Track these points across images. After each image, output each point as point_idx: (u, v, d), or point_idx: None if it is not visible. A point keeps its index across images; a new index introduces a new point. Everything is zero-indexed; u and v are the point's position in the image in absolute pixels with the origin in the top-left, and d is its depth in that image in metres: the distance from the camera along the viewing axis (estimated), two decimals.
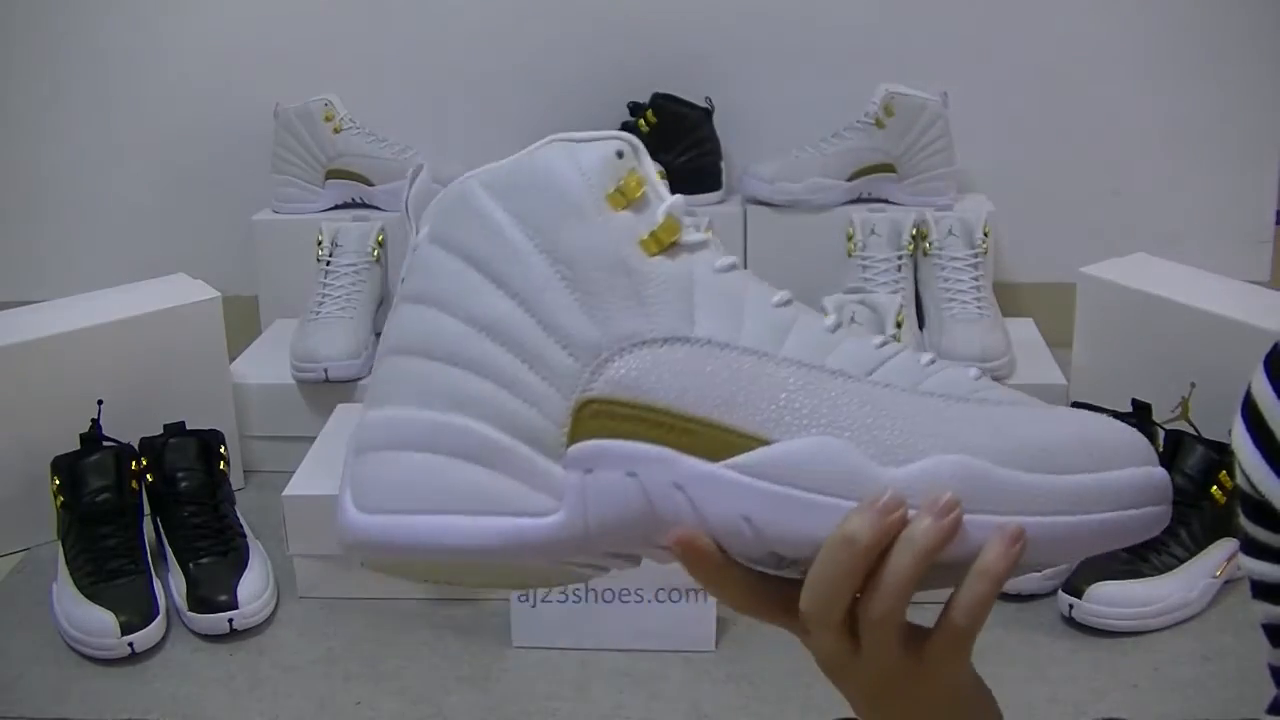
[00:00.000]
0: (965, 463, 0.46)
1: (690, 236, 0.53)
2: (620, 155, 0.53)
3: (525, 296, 0.50)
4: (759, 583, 0.50)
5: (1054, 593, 1.42)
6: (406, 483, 0.51)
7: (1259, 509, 0.52)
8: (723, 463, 0.47)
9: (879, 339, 0.52)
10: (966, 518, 0.46)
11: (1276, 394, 0.50)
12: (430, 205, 0.54)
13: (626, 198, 0.51)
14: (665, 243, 0.51)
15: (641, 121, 2.03)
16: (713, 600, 1.32)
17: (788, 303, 0.54)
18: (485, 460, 0.49)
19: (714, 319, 0.51)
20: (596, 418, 0.49)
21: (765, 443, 0.48)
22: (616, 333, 0.50)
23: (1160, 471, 0.48)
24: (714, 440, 0.48)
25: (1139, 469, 0.48)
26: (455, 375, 0.50)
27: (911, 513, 0.46)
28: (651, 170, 0.53)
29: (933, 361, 0.51)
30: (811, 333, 0.51)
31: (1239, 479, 0.52)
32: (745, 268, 0.55)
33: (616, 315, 0.50)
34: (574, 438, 0.49)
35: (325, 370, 1.76)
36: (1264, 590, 0.53)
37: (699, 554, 0.48)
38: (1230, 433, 0.53)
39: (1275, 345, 0.51)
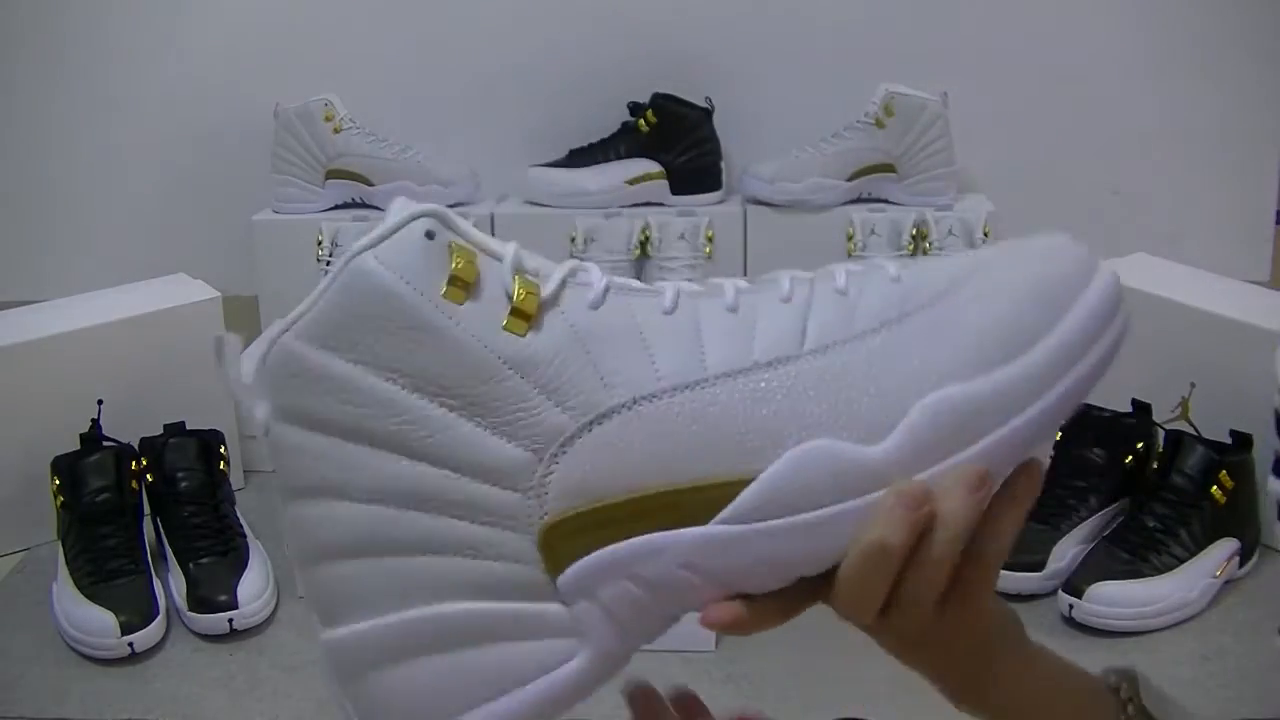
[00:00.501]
0: (942, 400, 0.43)
1: (547, 288, 0.45)
2: (431, 235, 0.44)
3: (421, 449, 0.44)
4: (788, 595, 0.47)
5: (1054, 593, 1.42)
6: (424, 694, 0.45)
7: None
8: (714, 521, 0.43)
9: (781, 289, 0.48)
10: (965, 452, 0.43)
11: None
12: (253, 378, 0.46)
13: (464, 283, 0.44)
14: (531, 313, 0.44)
15: (641, 121, 2.03)
16: None
17: (675, 306, 0.47)
18: (486, 636, 0.44)
19: (622, 370, 0.44)
20: (567, 539, 0.44)
21: (746, 481, 0.43)
22: (540, 440, 0.44)
23: (1106, 276, 0.47)
24: (696, 503, 0.43)
25: (1089, 291, 0.46)
26: (396, 564, 0.44)
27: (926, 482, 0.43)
28: (468, 228, 0.46)
29: (845, 290, 0.47)
30: (721, 330, 0.46)
31: (1275, 399, 0.56)
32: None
33: (529, 422, 0.43)
34: (555, 569, 0.44)
35: None
36: None
37: (733, 622, 0.45)
38: (1275, 355, 0.55)
39: None
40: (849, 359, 0.44)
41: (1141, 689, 0.54)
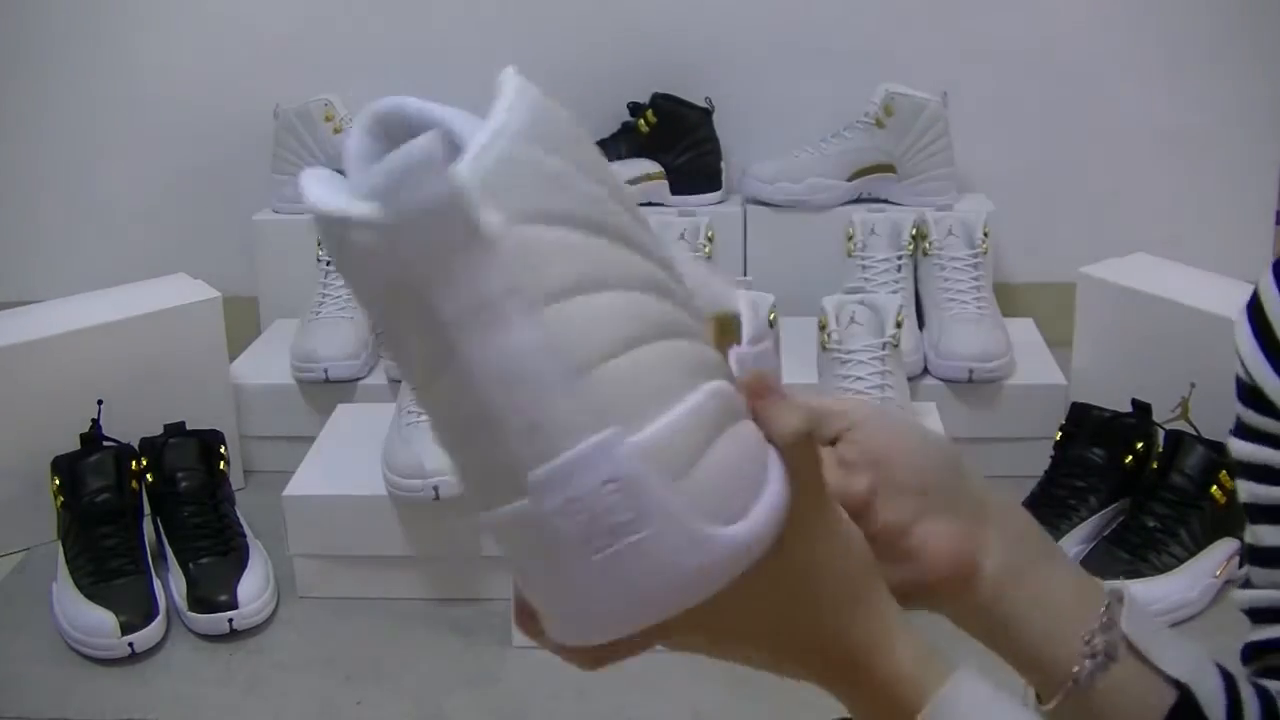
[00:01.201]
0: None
1: None
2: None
3: (639, 243, 0.45)
4: None
5: None
6: (735, 473, 0.44)
7: (1252, 392, 0.58)
8: None
9: None
10: None
11: (1278, 291, 0.58)
12: (474, 181, 0.40)
13: None
14: None
15: (641, 121, 2.03)
16: None
17: None
18: (741, 411, 0.45)
19: None
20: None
21: None
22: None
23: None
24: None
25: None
26: (667, 347, 0.43)
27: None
28: None
29: None
30: None
31: (1238, 370, 0.58)
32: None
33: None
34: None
35: (325, 370, 1.76)
36: (1249, 470, 0.59)
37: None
38: (1235, 332, 0.59)
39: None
40: None
41: (1125, 609, 0.55)
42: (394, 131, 0.46)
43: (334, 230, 0.40)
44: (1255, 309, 0.59)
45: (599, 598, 0.42)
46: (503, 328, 0.40)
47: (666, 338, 0.43)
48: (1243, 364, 0.58)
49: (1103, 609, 0.55)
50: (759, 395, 0.45)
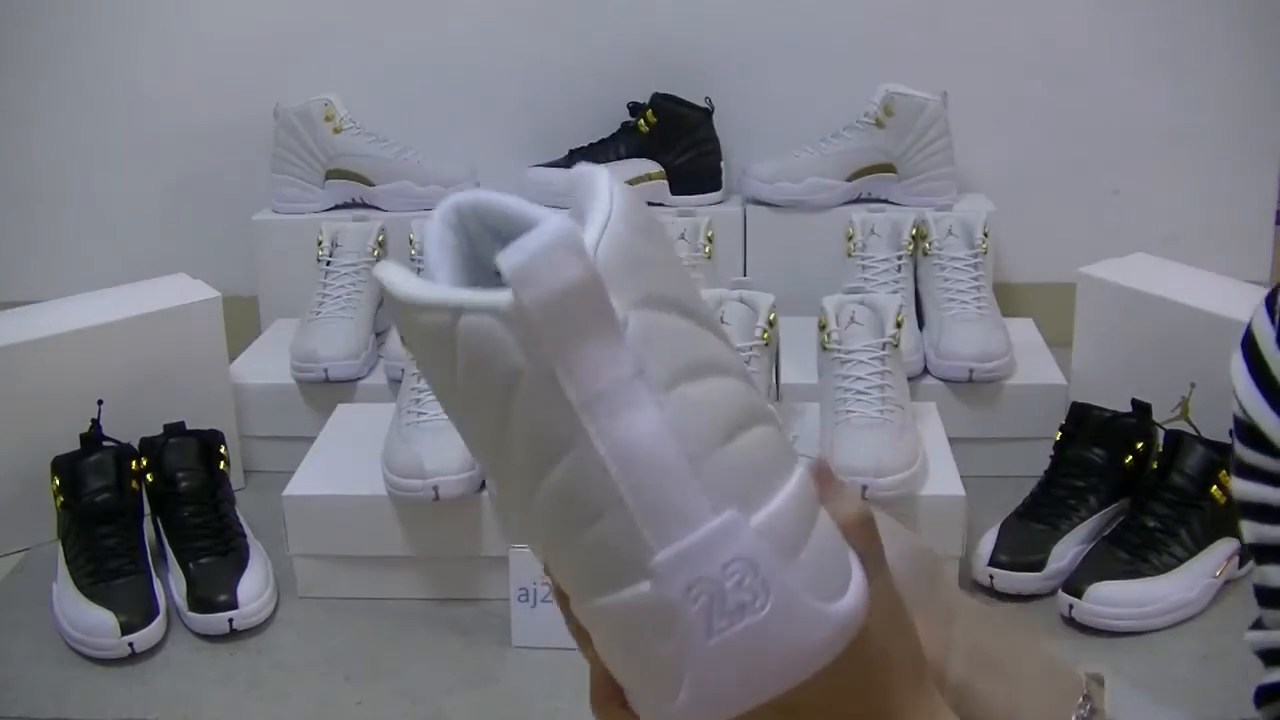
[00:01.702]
0: None
1: None
2: None
3: (720, 332, 0.46)
4: None
5: (1054, 593, 1.42)
6: (832, 551, 0.44)
7: (1250, 431, 0.56)
8: None
9: None
10: None
11: (1271, 327, 0.55)
12: (600, 267, 0.40)
13: None
14: None
15: (641, 121, 2.03)
16: None
17: None
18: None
19: None
20: None
21: None
22: None
23: None
24: None
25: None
26: (765, 431, 0.44)
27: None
28: None
29: None
30: None
31: (1234, 406, 0.57)
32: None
33: None
34: None
35: (325, 370, 1.76)
36: (1252, 510, 0.57)
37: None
38: (1230, 367, 0.57)
39: (1276, 286, 0.56)
40: None
41: (1107, 694, 0.54)
42: (469, 224, 0.47)
43: (445, 320, 0.40)
44: (1249, 344, 0.57)
45: (717, 679, 0.42)
46: (631, 411, 0.40)
47: (761, 422, 0.44)
48: (1239, 402, 0.57)
49: (1081, 699, 0.54)
50: (824, 481, 0.46)
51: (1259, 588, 0.59)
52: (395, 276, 0.42)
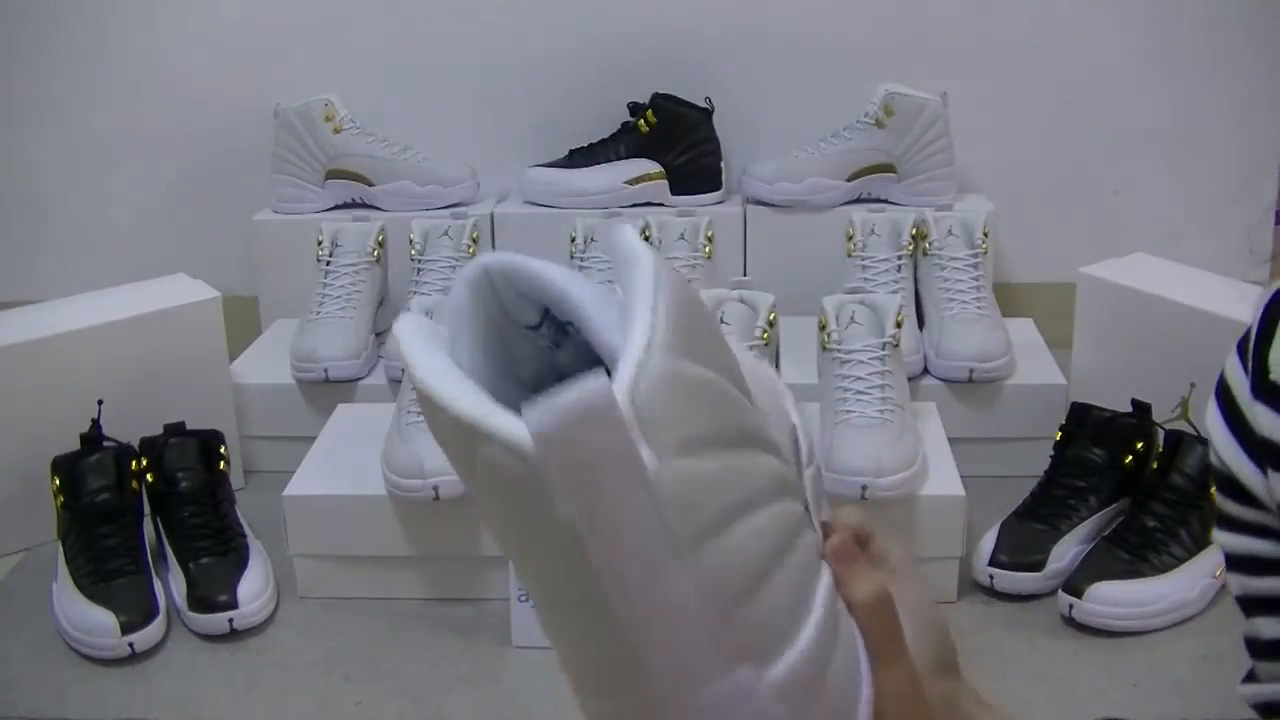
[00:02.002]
0: None
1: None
2: None
3: (766, 442, 0.45)
4: None
5: (1054, 593, 1.42)
6: (852, 677, 0.45)
7: (1230, 483, 0.54)
8: None
9: None
10: None
11: (1244, 373, 0.53)
12: (637, 414, 0.38)
13: None
14: None
15: (641, 121, 2.03)
16: None
17: None
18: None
19: None
20: None
21: None
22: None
23: None
24: None
25: None
26: (794, 558, 0.44)
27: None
28: None
29: None
30: None
31: (1211, 456, 0.55)
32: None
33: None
34: None
35: (325, 370, 1.76)
36: (1237, 562, 0.55)
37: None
38: (1205, 415, 0.55)
39: (1246, 330, 0.53)
40: None
41: None
42: (498, 285, 0.45)
43: (472, 439, 0.38)
44: (1223, 392, 0.54)
45: None
46: (657, 576, 0.38)
47: (797, 537, 0.43)
48: (1215, 452, 0.54)
49: None
50: (846, 560, 0.46)
51: (1250, 640, 0.57)
52: (416, 350, 0.40)
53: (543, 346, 0.46)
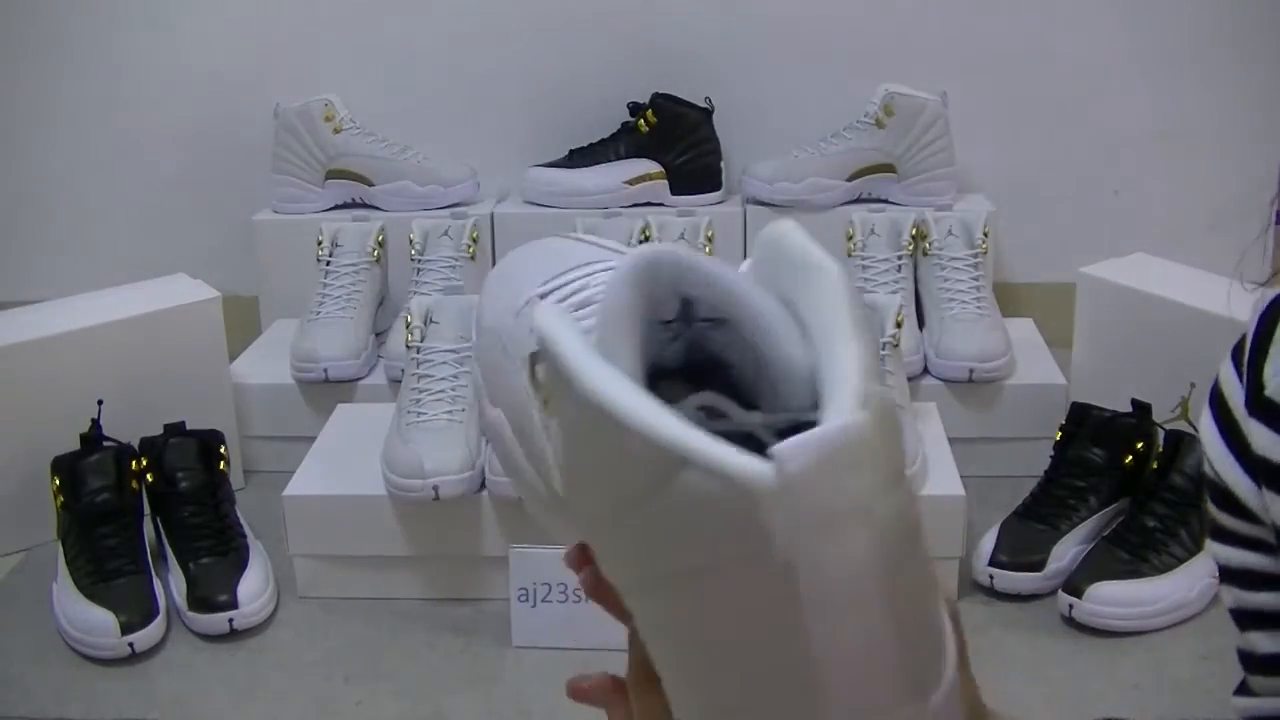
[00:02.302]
0: None
1: None
2: None
3: None
4: None
5: (1054, 593, 1.42)
6: None
7: (1224, 495, 0.53)
8: None
9: None
10: None
11: (1240, 384, 0.51)
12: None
13: None
14: None
15: (641, 121, 2.03)
16: None
17: None
18: None
19: None
20: None
21: None
22: None
23: None
24: None
25: None
26: None
27: None
28: None
29: None
30: None
31: (1206, 467, 0.54)
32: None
33: None
34: None
35: (325, 370, 1.76)
36: (1231, 575, 0.54)
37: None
38: (1200, 422, 0.54)
39: (1241, 337, 0.52)
40: None
41: None
42: (660, 277, 0.43)
43: (667, 463, 0.36)
44: (1217, 402, 0.53)
45: None
46: (866, 614, 0.38)
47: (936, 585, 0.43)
48: (1210, 464, 0.53)
49: None
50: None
51: (1243, 653, 0.56)
52: (588, 364, 0.38)
53: (664, 340, 0.44)
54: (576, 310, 0.50)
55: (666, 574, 0.39)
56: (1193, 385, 1.52)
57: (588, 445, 0.39)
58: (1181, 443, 1.46)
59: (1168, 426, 1.51)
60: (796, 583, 0.36)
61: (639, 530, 0.38)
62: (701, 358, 0.44)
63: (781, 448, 0.35)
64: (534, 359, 0.42)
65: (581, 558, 0.48)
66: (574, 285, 0.52)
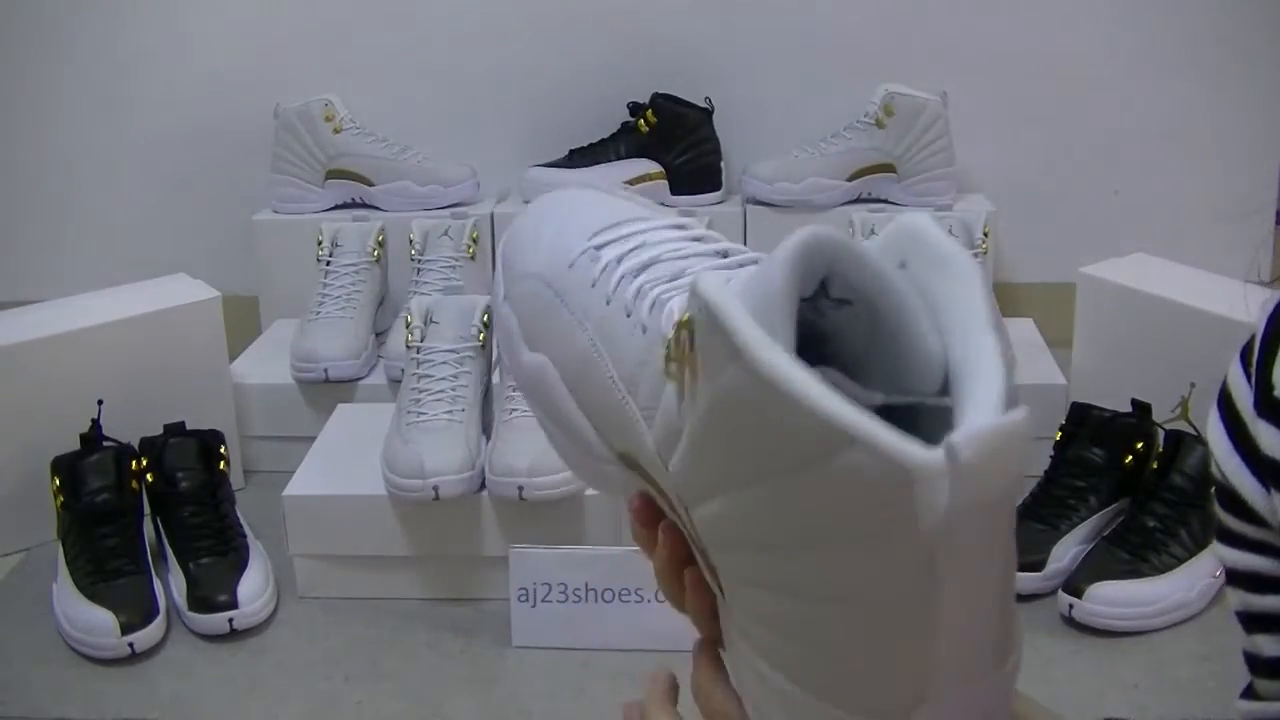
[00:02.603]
0: None
1: None
2: None
3: None
4: None
5: (1054, 593, 1.42)
6: None
7: (1231, 498, 0.52)
8: None
9: None
10: None
11: (1248, 386, 0.51)
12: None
13: None
14: None
15: (641, 121, 2.03)
16: None
17: None
18: None
19: None
20: None
21: None
22: None
23: None
24: None
25: None
26: None
27: None
28: None
29: None
30: None
31: (1213, 469, 0.53)
32: None
33: None
34: None
35: (325, 370, 1.76)
36: (1238, 578, 0.54)
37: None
38: (1207, 424, 0.54)
39: (1250, 337, 0.52)
40: None
41: None
42: (816, 259, 0.44)
43: (831, 441, 0.37)
44: (1225, 402, 0.53)
45: None
46: (985, 586, 0.40)
47: None
48: (1218, 465, 0.53)
49: None
50: None
51: (1250, 656, 0.56)
52: (760, 338, 0.39)
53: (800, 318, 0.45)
54: (641, 271, 0.52)
55: (803, 539, 0.40)
56: (1193, 385, 1.52)
57: (745, 414, 0.40)
58: (1182, 443, 1.46)
59: (1168, 426, 1.51)
60: (936, 560, 0.38)
61: (783, 498, 0.40)
62: (811, 333, 0.45)
63: (957, 437, 0.36)
64: (682, 325, 0.43)
65: (648, 510, 0.50)
66: (633, 242, 0.53)
